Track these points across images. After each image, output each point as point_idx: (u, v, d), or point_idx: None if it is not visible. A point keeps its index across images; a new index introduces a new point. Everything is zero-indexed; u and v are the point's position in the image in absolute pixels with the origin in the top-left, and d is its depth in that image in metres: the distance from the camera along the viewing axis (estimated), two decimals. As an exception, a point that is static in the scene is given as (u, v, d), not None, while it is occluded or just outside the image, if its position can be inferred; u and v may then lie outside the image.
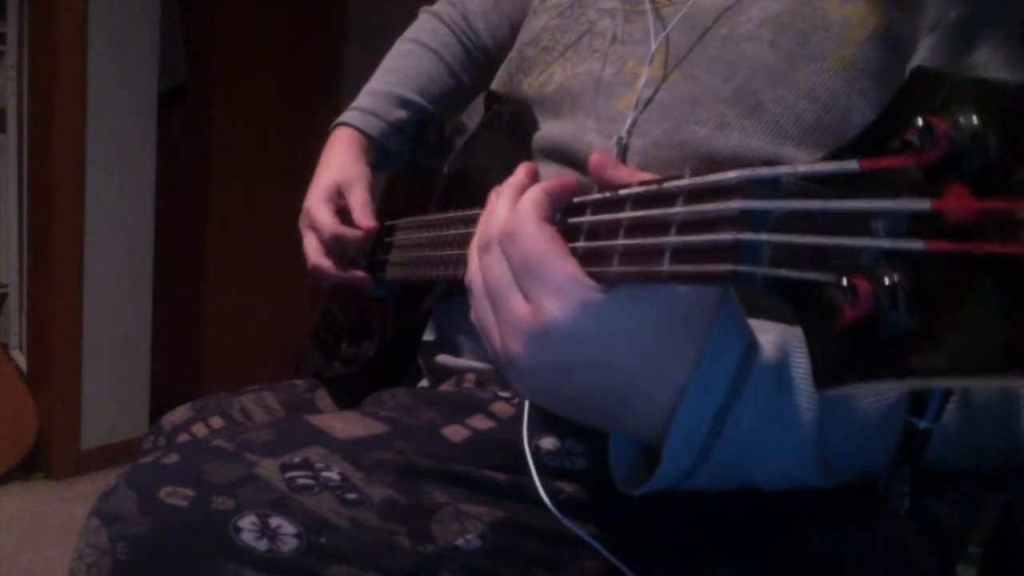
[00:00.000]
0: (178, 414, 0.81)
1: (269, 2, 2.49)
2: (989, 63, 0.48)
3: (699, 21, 0.59)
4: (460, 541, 0.53)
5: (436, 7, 0.96)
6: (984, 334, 0.22)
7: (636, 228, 0.36)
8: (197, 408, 0.81)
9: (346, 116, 0.89)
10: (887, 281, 0.24)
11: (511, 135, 0.71)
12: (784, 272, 0.28)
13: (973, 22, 0.49)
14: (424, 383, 0.78)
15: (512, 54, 0.77)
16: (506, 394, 0.61)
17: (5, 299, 2.19)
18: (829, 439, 0.42)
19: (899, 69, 0.52)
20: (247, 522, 0.50)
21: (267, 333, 2.65)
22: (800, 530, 0.52)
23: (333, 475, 0.54)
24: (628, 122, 0.59)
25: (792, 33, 0.54)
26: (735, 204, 0.30)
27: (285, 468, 0.54)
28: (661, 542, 0.54)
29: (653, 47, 0.61)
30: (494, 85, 0.79)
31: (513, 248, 0.40)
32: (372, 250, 0.83)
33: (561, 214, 0.43)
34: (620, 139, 0.59)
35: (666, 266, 0.33)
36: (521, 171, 0.46)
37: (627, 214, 0.37)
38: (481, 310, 0.43)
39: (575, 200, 0.42)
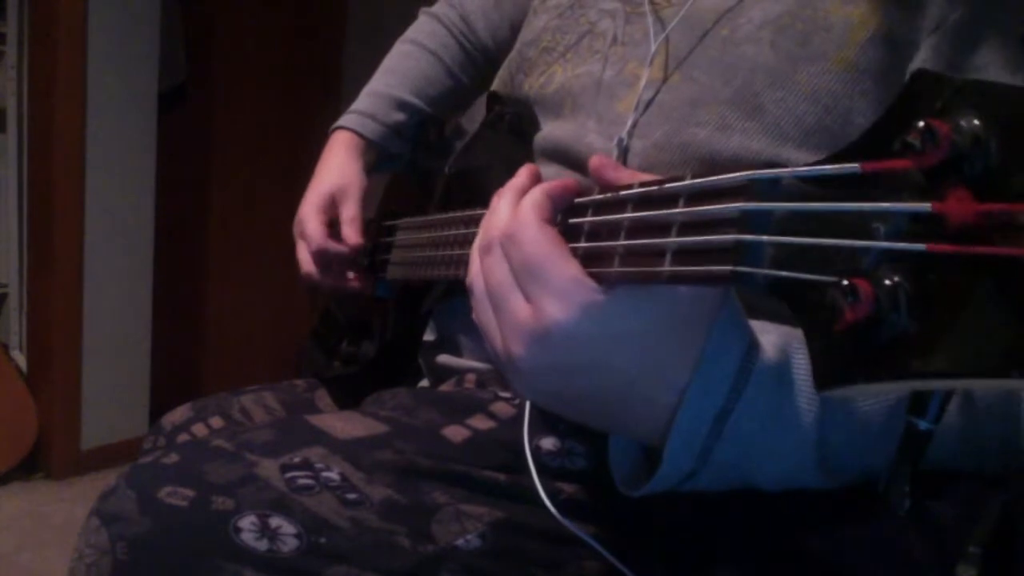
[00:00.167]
0: (178, 414, 0.81)
1: (269, 2, 2.49)
2: (990, 64, 0.48)
3: (699, 23, 0.59)
4: (460, 541, 0.53)
5: (435, 8, 0.96)
6: (984, 336, 0.22)
7: (637, 229, 0.36)
8: (197, 408, 0.81)
9: (345, 120, 0.89)
10: (888, 283, 0.25)
11: (512, 136, 0.71)
12: (785, 273, 0.28)
13: (974, 23, 0.49)
14: (424, 383, 0.78)
15: (512, 54, 0.77)
16: (506, 394, 0.62)
17: (5, 299, 2.19)
18: (830, 440, 0.42)
19: (900, 70, 0.52)
20: (247, 522, 0.50)
21: (267, 333, 2.65)
22: (800, 530, 0.52)
23: (333, 475, 0.54)
24: (629, 123, 0.59)
25: (793, 34, 0.54)
26: (736, 205, 0.30)
27: (285, 468, 0.54)
28: (661, 542, 0.54)
29: (653, 49, 0.61)
30: (495, 85, 0.79)
31: (514, 250, 0.41)
32: (373, 250, 0.83)
33: (562, 215, 0.43)
34: (621, 140, 0.59)
35: (667, 267, 0.33)
36: (523, 173, 0.47)
37: (628, 215, 0.37)
38: (483, 312, 0.43)
39: (576, 201, 0.42)
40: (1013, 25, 0.48)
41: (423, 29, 0.94)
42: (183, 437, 0.78)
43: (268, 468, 0.54)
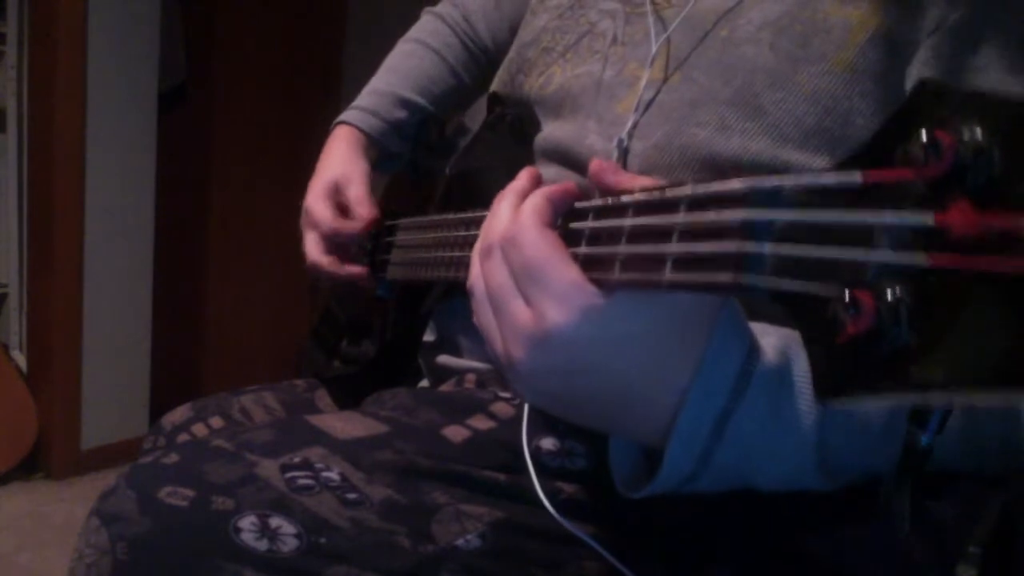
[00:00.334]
0: (178, 414, 0.81)
1: (269, 2, 2.49)
2: (990, 65, 0.48)
3: (699, 23, 0.59)
4: (460, 541, 0.53)
5: (438, 8, 0.96)
6: (986, 349, 0.22)
7: (638, 235, 0.36)
8: (197, 408, 0.81)
9: (346, 115, 0.89)
10: (890, 295, 0.24)
11: (513, 137, 0.71)
12: (786, 283, 0.28)
13: (974, 24, 0.48)
14: (424, 383, 0.78)
15: (511, 54, 0.77)
16: (506, 394, 0.62)
17: (5, 299, 2.19)
18: (830, 443, 0.42)
19: (900, 71, 0.51)
20: (247, 522, 0.51)
21: (267, 333, 2.65)
22: (800, 531, 0.52)
23: (333, 475, 0.54)
24: (629, 124, 0.59)
25: (792, 36, 0.54)
26: (738, 214, 0.30)
27: (285, 468, 0.54)
28: (661, 542, 0.54)
29: (654, 49, 0.61)
30: (495, 86, 0.79)
31: (514, 254, 0.41)
32: (373, 249, 0.83)
33: (563, 219, 0.43)
34: (621, 141, 0.59)
35: (667, 274, 0.33)
36: (524, 176, 0.47)
37: (629, 221, 0.37)
38: (483, 315, 0.43)
39: (577, 205, 0.42)
40: (1013, 26, 0.48)
41: (426, 28, 0.94)
42: (183, 437, 0.78)
43: (268, 468, 0.54)
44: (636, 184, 0.40)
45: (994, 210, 0.23)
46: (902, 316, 0.24)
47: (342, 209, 0.82)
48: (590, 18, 0.69)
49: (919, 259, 0.24)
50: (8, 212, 2.15)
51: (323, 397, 0.85)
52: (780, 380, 0.41)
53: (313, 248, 0.82)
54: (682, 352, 0.39)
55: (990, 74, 0.48)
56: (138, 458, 0.59)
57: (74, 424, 2.16)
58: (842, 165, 0.27)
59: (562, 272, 0.39)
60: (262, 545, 0.50)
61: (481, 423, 0.59)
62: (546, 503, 0.52)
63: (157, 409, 2.17)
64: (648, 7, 0.64)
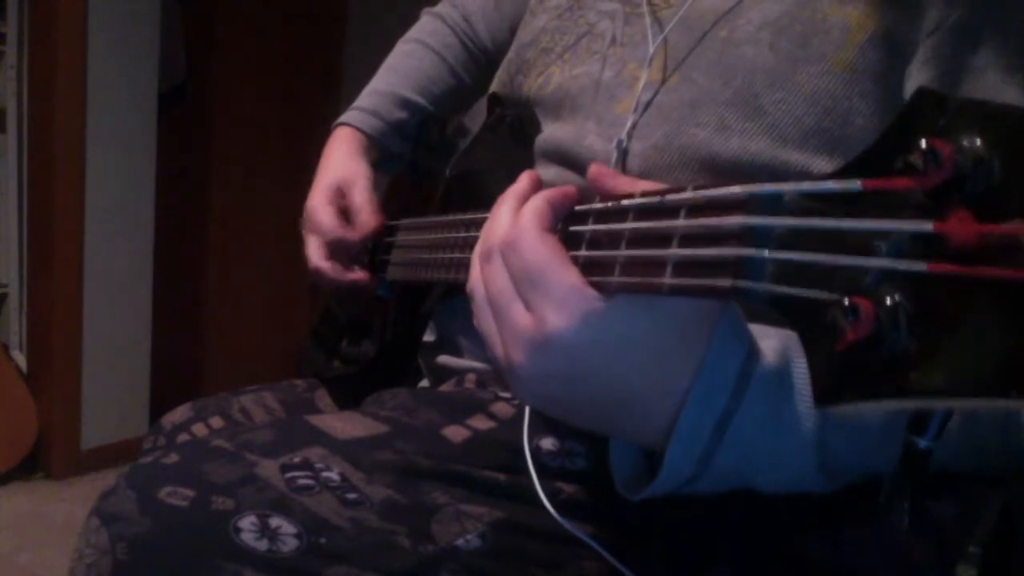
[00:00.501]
0: (178, 414, 0.81)
1: (269, 2, 2.49)
2: (989, 66, 0.48)
3: (698, 24, 0.59)
4: (460, 541, 0.53)
5: (438, 8, 0.96)
6: (984, 356, 0.22)
7: (638, 239, 0.36)
8: (197, 408, 0.81)
9: (347, 116, 0.89)
10: (889, 302, 0.25)
11: (513, 138, 0.71)
12: (785, 289, 0.28)
13: (973, 25, 0.48)
14: (424, 383, 0.78)
15: (511, 55, 0.77)
16: (506, 394, 0.62)
17: (5, 299, 2.20)
18: (830, 444, 0.42)
19: (900, 72, 0.51)
20: (247, 522, 0.51)
21: (267, 333, 2.65)
22: (800, 531, 0.52)
23: (333, 475, 0.54)
24: (628, 125, 0.59)
25: (792, 36, 0.54)
26: (738, 219, 0.30)
27: (285, 468, 0.54)
28: (661, 543, 0.54)
29: (652, 50, 0.61)
30: (494, 86, 0.79)
31: (514, 258, 0.41)
32: (373, 250, 0.83)
33: (563, 223, 0.43)
34: (620, 142, 0.59)
35: (667, 279, 0.34)
36: (524, 179, 0.47)
37: (629, 225, 0.37)
38: (483, 318, 0.44)
39: (577, 208, 0.42)
40: (1013, 27, 0.48)
41: (426, 28, 0.94)
42: (183, 437, 0.78)
43: (268, 468, 0.54)
44: (635, 188, 0.40)
45: (993, 219, 0.23)
46: (901, 322, 0.24)
47: (345, 213, 0.82)
48: (589, 19, 0.69)
49: (918, 267, 0.24)
50: (8, 212, 2.15)
51: (323, 397, 0.85)
52: (780, 382, 0.41)
53: (315, 253, 0.82)
54: (682, 355, 0.39)
55: (989, 75, 0.48)
56: (138, 458, 0.59)
57: (74, 424, 2.16)
58: (842, 172, 0.28)
59: (562, 276, 0.39)
60: (262, 545, 0.50)
61: (481, 423, 0.59)
62: (546, 503, 0.52)
63: (157, 409, 2.17)
64: (645, 7, 0.64)
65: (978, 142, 0.23)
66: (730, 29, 0.57)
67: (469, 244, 0.58)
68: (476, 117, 0.82)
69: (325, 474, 0.54)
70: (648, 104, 0.59)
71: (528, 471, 0.54)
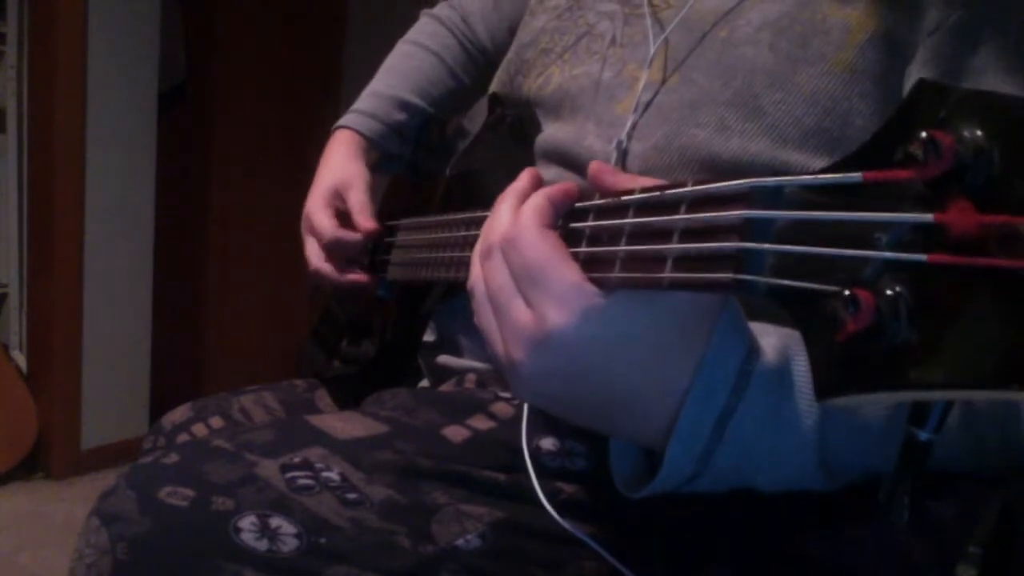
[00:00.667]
0: (178, 414, 0.81)
1: (269, 2, 2.49)
2: (989, 66, 0.48)
3: (698, 24, 0.59)
4: (460, 541, 0.53)
5: (436, 9, 0.96)
6: (984, 347, 0.22)
7: (638, 234, 0.36)
8: (197, 408, 0.81)
9: (346, 119, 0.89)
10: (889, 293, 0.25)
11: (513, 138, 0.71)
12: (786, 282, 0.28)
13: (973, 25, 0.49)
14: (424, 383, 0.78)
15: (510, 55, 0.77)
16: (506, 394, 0.62)
17: (5, 299, 2.20)
18: (830, 442, 0.42)
19: (900, 72, 0.52)
20: (247, 522, 0.51)
21: (267, 333, 2.65)
22: (800, 531, 0.52)
23: (333, 475, 0.54)
24: (628, 125, 0.59)
25: (792, 36, 0.54)
26: (738, 212, 0.30)
27: (285, 468, 0.54)
28: (661, 542, 0.54)
29: (652, 50, 0.61)
30: (494, 87, 0.79)
31: (514, 255, 0.41)
32: (373, 250, 0.83)
33: (564, 219, 0.43)
34: (620, 143, 0.59)
35: (668, 273, 0.34)
36: (524, 177, 0.47)
37: (630, 220, 0.37)
38: (484, 316, 0.44)
39: (578, 205, 0.42)
40: (1013, 27, 0.48)
41: (425, 30, 0.94)
42: (183, 437, 0.78)
43: (268, 468, 0.54)
44: (635, 184, 0.40)
45: (993, 209, 0.23)
46: (902, 313, 0.24)
47: (342, 215, 0.83)
48: (588, 19, 0.69)
49: (919, 258, 0.24)
50: (8, 212, 2.15)
51: (323, 397, 0.85)
52: (780, 380, 0.41)
53: (314, 255, 0.82)
54: (682, 354, 0.40)
55: (988, 75, 0.48)
56: (138, 458, 0.59)
57: (74, 424, 2.16)
58: (843, 165, 0.28)
59: (562, 273, 0.39)
60: (262, 545, 0.50)
61: (481, 423, 0.59)
62: (546, 503, 0.52)
63: (157, 409, 2.17)
64: (646, 8, 0.64)
65: (979, 132, 0.23)
66: (730, 30, 0.58)
67: (469, 243, 0.58)
68: (476, 118, 0.82)
69: (325, 474, 0.54)
70: (648, 104, 0.60)
71: (528, 471, 0.54)
